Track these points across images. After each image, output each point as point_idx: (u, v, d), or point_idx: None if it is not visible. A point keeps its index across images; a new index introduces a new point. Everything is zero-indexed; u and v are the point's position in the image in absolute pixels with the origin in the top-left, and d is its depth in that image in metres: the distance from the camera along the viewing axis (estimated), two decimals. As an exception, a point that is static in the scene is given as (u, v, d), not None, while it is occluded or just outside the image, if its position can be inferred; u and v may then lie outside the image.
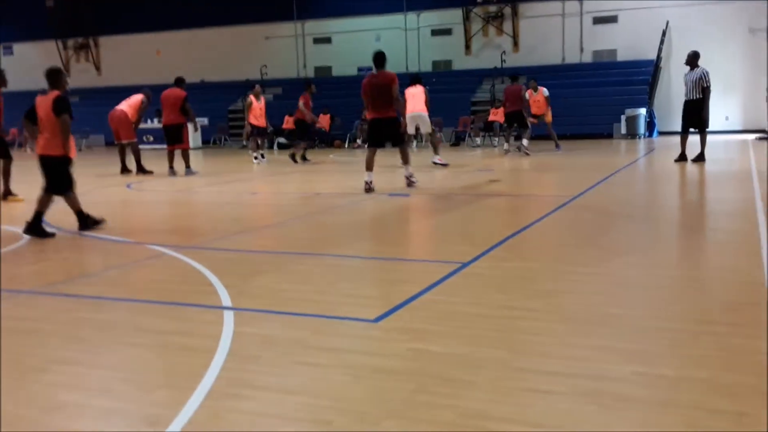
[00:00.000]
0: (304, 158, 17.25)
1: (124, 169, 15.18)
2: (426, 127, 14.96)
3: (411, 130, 14.79)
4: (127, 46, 33.38)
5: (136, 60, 32.87)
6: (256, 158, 16.89)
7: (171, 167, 14.54)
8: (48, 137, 7.46)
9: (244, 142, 25.79)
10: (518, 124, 18.04)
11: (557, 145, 19.22)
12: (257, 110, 16.61)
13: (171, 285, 5.30)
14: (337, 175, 14.63)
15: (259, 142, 17.58)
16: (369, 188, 10.60)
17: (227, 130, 28.33)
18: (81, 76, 33.99)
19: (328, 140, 24.52)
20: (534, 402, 3.03)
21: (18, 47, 35.49)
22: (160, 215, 9.39)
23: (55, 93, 7.45)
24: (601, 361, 3.45)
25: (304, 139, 17.60)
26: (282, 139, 25.36)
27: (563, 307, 4.41)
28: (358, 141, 24.31)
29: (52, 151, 7.47)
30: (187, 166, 14.53)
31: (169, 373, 3.51)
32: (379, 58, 10.89)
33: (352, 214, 9.05)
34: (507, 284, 5.06)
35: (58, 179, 7.54)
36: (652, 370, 3.34)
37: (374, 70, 10.93)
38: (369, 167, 10.81)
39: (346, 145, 24.38)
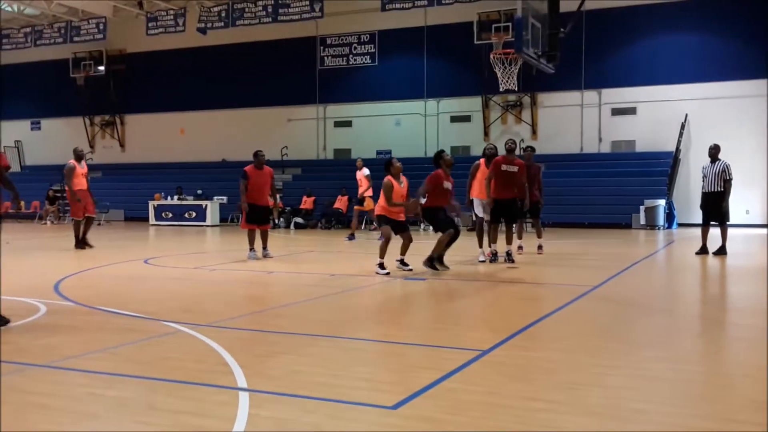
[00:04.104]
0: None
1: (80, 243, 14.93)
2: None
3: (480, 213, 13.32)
4: (152, 124, 34.08)
5: (159, 138, 33.52)
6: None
7: (264, 247, 13.32)
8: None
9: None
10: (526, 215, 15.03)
11: (351, 236, 18.36)
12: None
13: (185, 363, 5.22)
14: (353, 257, 14.61)
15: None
16: (494, 259, 12.18)
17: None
18: (106, 152, 34.66)
19: (345, 222, 24.63)
20: (559, 501, 2.91)
21: (45, 122, 36.32)
22: (176, 292, 9.35)
23: None
24: (628, 460, 3.33)
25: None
26: (299, 219, 25.55)
27: (587, 401, 4.29)
28: (374, 223, 24.36)
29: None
30: (265, 247, 13.42)
31: (180, 455, 3.41)
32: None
33: (368, 296, 8.98)
34: (528, 374, 4.94)
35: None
36: (681, 470, 3.21)
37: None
38: (494, 240, 12.28)
39: (362, 227, 24.44)
